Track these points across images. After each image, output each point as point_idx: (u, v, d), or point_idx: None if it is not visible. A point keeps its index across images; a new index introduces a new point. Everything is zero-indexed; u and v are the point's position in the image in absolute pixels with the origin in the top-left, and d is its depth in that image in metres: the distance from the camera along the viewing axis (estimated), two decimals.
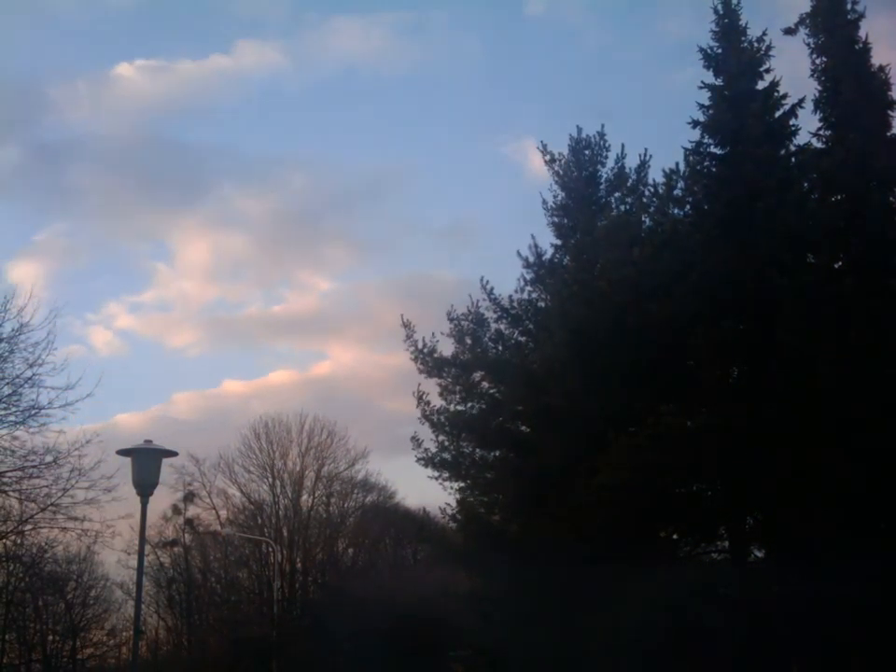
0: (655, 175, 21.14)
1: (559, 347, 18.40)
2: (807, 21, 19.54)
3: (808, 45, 19.56)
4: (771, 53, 19.74)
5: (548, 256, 21.43)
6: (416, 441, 20.98)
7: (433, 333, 21.13)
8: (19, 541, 24.04)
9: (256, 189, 75.41)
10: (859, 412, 15.66)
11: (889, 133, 18.84)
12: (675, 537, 19.51)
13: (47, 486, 20.44)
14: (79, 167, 74.51)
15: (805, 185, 19.25)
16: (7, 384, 20.20)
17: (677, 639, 15.81)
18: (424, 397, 20.91)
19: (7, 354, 20.12)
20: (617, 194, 21.24)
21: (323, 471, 42.71)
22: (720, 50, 19.95)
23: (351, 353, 70.78)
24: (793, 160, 19.56)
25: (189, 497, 43.89)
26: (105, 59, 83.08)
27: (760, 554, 19.01)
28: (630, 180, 21.01)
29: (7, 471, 20.49)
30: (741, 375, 18.63)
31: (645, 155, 21.11)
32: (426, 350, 21.00)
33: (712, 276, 17.38)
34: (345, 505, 43.74)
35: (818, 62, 19.44)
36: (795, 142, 19.61)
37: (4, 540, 23.30)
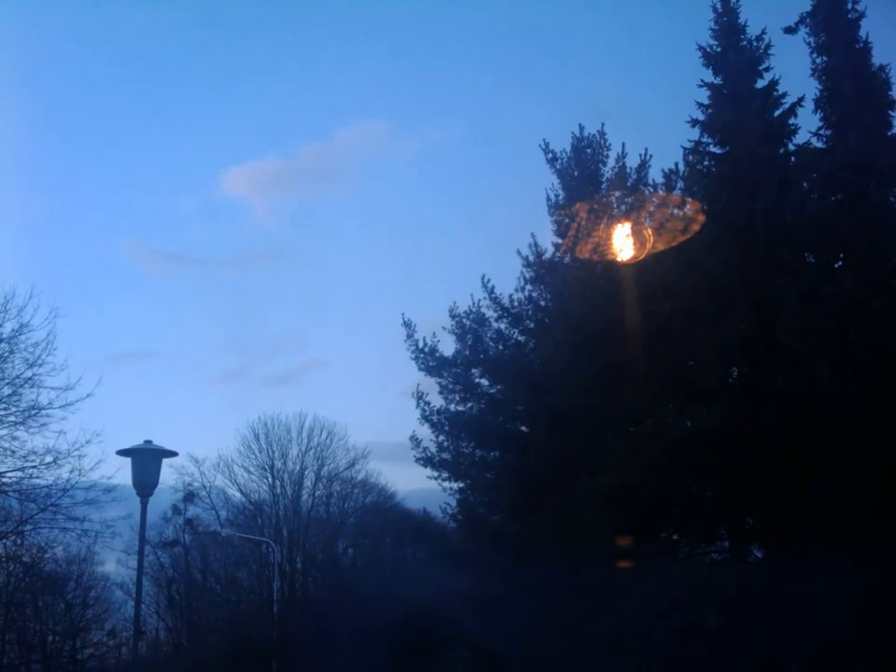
0: (655, 174, 21.15)
1: (559, 347, 18.38)
2: (807, 21, 19.51)
3: (808, 44, 19.54)
4: (771, 52, 19.78)
5: (548, 255, 21.43)
6: (416, 441, 21.00)
7: (434, 333, 21.21)
8: (19, 541, 24.08)
9: None
10: (859, 411, 15.65)
11: (889, 133, 18.82)
12: (675, 537, 19.49)
13: (47, 486, 20.51)
14: None
15: (805, 185, 19.24)
16: (7, 384, 20.28)
17: (677, 639, 15.80)
18: (423, 397, 20.93)
19: (7, 354, 20.22)
20: (617, 193, 21.20)
21: (323, 471, 42.77)
22: (719, 49, 19.94)
23: None
24: (793, 159, 19.55)
25: (189, 497, 43.89)
26: None
27: (760, 554, 19.00)
28: (630, 180, 20.99)
29: (6, 471, 20.54)
30: (741, 375, 18.62)
31: (645, 154, 21.07)
32: (426, 349, 21.02)
33: (712, 276, 17.37)
34: (345, 505, 43.73)
35: (818, 61, 19.42)
36: (795, 141, 19.62)
37: (4, 540, 23.32)
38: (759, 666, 16.11)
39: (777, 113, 19.61)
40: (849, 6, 19.28)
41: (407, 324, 21.17)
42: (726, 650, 15.94)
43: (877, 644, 15.16)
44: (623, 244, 18.44)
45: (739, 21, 19.94)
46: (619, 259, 18.43)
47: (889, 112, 18.84)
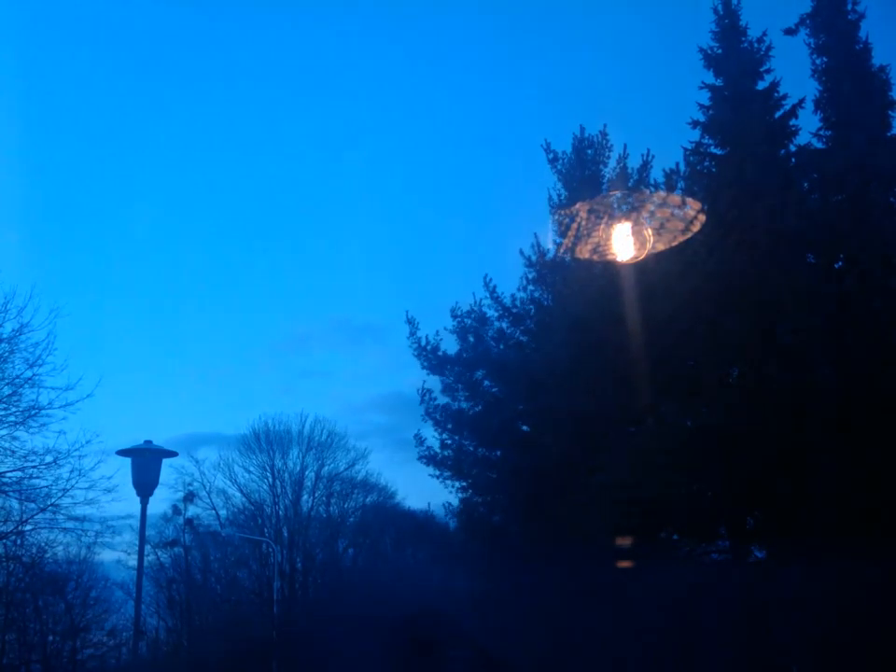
0: (657, 175, 21.16)
1: (560, 347, 18.40)
2: (807, 21, 19.57)
3: (808, 45, 19.59)
4: (771, 54, 19.80)
5: (550, 255, 21.45)
6: (419, 439, 21.02)
7: (437, 331, 21.26)
8: (19, 542, 24.06)
9: None
10: (859, 411, 15.66)
11: (888, 133, 18.86)
12: (675, 537, 19.50)
13: (47, 487, 20.55)
14: None
15: (805, 185, 19.25)
16: (8, 384, 20.29)
17: (677, 639, 15.81)
18: (428, 394, 20.97)
19: (7, 354, 20.24)
20: (618, 193, 21.20)
21: (323, 471, 42.81)
22: (720, 51, 19.97)
23: None
24: (793, 160, 19.57)
25: (189, 497, 43.89)
26: None
27: (760, 554, 19.01)
28: (632, 180, 20.99)
29: (6, 471, 20.56)
30: (741, 375, 18.62)
31: (647, 155, 21.09)
32: (429, 347, 21.06)
33: (712, 276, 17.37)
34: (345, 505, 43.77)
35: (818, 62, 19.46)
36: (795, 142, 19.65)
37: (4, 540, 23.31)
38: (759, 666, 16.12)
39: (777, 114, 19.63)
40: (849, 6, 19.33)
41: (410, 321, 21.25)
42: (726, 650, 15.96)
43: (877, 644, 15.17)
44: (623, 244, 18.41)
45: (740, 22, 19.98)
46: (619, 258, 18.41)
47: (889, 112, 18.88)
